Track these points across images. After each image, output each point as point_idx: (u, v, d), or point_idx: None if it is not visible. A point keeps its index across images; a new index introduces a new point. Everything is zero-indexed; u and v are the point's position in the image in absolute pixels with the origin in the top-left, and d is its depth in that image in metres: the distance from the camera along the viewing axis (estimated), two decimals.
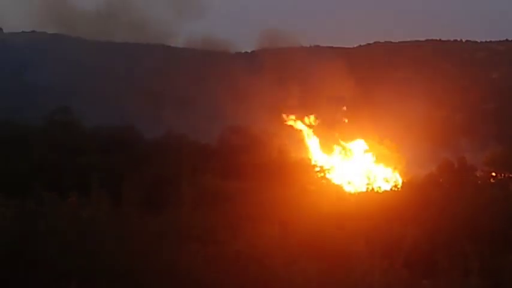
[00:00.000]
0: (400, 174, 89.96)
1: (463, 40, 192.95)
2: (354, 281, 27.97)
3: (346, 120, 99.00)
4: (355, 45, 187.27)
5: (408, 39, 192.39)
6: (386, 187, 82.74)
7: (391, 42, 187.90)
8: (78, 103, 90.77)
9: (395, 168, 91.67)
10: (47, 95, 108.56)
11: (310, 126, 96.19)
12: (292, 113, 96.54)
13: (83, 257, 27.48)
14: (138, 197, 35.50)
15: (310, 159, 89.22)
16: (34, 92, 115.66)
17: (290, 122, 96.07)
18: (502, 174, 73.41)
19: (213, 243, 33.91)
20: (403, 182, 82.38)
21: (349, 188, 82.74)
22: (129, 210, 31.43)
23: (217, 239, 35.10)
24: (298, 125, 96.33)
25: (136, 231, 30.08)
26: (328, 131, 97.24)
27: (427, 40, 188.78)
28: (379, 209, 49.94)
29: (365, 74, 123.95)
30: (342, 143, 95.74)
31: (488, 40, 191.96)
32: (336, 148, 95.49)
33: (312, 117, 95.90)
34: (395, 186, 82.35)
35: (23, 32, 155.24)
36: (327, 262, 32.31)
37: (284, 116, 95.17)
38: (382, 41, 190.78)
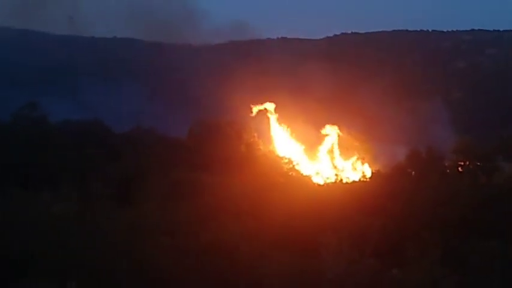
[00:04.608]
0: (369, 165, 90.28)
1: (429, 30, 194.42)
2: (323, 271, 28.27)
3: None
4: (322, 37, 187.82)
5: (375, 30, 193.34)
6: (355, 178, 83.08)
7: (358, 33, 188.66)
8: (45, 98, 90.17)
9: (363, 159, 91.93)
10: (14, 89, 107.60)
11: (278, 117, 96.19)
12: (260, 105, 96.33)
13: (54, 253, 27.48)
14: (109, 191, 35.49)
15: (278, 151, 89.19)
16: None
17: (258, 114, 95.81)
18: (469, 163, 73.88)
19: (183, 236, 34.12)
20: (371, 172, 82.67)
21: (318, 179, 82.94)
22: (99, 205, 31.45)
23: (187, 232, 35.33)
24: (267, 116, 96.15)
25: (107, 226, 30.15)
26: (296, 122, 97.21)
27: (393, 31, 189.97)
28: (347, 200, 50.45)
29: (333, 66, 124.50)
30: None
31: (454, 30, 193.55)
32: (304, 138, 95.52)
33: (273, 106, 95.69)
34: (364, 176, 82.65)
35: None
36: (296, 253, 32.64)
37: (252, 108, 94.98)
38: (349, 32, 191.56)
